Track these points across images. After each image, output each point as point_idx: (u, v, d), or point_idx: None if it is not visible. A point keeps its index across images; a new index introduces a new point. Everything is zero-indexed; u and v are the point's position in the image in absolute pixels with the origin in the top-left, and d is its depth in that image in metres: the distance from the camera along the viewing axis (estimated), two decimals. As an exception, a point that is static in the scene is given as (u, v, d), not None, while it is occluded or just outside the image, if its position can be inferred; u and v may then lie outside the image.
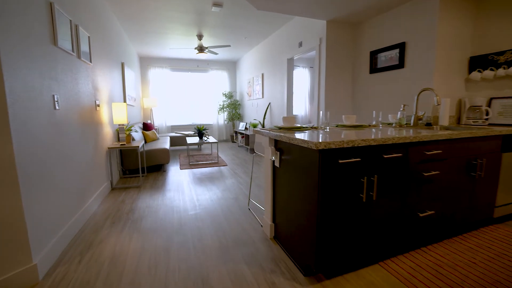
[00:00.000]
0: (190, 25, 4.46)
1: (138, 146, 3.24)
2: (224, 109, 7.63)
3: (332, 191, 1.36)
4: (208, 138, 5.03)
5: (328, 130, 1.93)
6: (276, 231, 1.92)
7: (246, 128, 6.40)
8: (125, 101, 4.43)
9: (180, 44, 5.70)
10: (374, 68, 3.26)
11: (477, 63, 2.58)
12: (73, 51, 2.17)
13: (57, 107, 1.85)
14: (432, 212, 1.67)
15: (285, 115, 4.67)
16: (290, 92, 4.60)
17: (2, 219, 1.34)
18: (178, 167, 4.48)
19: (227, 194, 2.97)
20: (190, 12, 3.87)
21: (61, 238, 1.80)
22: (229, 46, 4.99)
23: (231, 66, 7.98)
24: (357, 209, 1.45)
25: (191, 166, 4.49)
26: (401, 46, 2.84)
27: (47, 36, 1.77)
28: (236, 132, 7.26)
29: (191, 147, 6.75)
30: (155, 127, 6.87)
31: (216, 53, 5.45)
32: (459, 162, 1.78)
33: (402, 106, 2.33)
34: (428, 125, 2.44)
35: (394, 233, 1.61)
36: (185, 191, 3.12)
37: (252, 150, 5.82)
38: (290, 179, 1.62)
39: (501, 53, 2.38)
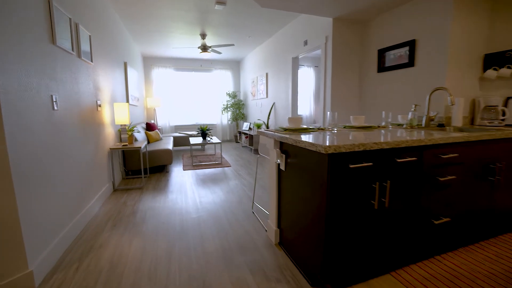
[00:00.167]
0: (194, 23, 4.40)
1: (140, 147, 3.19)
2: (228, 109, 7.56)
3: (341, 197, 1.27)
4: (211, 138, 4.97)
5: (335, 131, 1.84)
6: (281, 236, 1.84)
7: (250, 128, 6.32)
8: (128, 101, 4.39)
9: (184, 43, 5.65)
10: (382, 67, 3.16)
11: (493, 60, 2.45)
12: (73, 50, 2.12)
13: (55, 108, 1.79)
14: (448, 219, 1.57)
15: (290, 115, 4.58)
16: (295, 91, 4.50)
17: (-4, 224, 1.29)
18: (181, 167, 4.43)
19: (231, 197, 2.90)
20: (193, 10, 3.81)
21: (59, 242, 1.75)
22: (232, 45, 4.92)
23: (235, 65, 7.91)
24: (367, 216, 1.36)
25: (194, 167, 4.43)
26: (411, 44, 2.73)
27: (45, 35, 1.72)
28: (239, 132, 7.19)
29: (194, 147, 6.70)
30: (159, 127, 6.83)
31: (219, 52, 5.38)
32: (476, 166, 1.68)
33: (414, 106, 2.23)
34: (441, 126, 2.33)
35: (407, 241, 1.52)
36: (187, 193, 3.05)
37: (256, 151, 5.74)
38: (296, 183, 1.54)
39: (519, 50, 2.26)
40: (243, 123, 7.70)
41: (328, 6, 2.93)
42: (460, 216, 1.69)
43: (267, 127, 5.60)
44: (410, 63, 2.76)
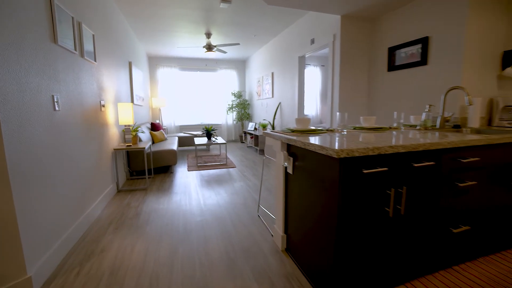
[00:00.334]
0: (198, 22, 4.35)
1: (145, 148, 3.14)
2: (233, 109, 7.50)
3: (353, 204, 1.19)
4: (216, 138, 4.91)
5: (345, 133, 1.75)
6: (288, 243, 1.76)
7: (255, 129, 6.25)
8: (132, 101, 4.37)
9: (189, 42, 5.61)
10: (392, 66, 3.04)
11: (512, 58, 2.32)
12: (75, 49, 2.08)
13: (57, 108, 1.75)
14: (468, 227, 1.47)
15: (296, 116, 4.48)
16: (302, 91, 4.41)
17: (-7, 229, 1.24)
18: (185, 168, 4.38)
19: (236, 199, 2.83)
20: (198, 9, 3.75)
21: (61, 246, 1.70)
22: (238, 44, 4.85)
23: (240, 65, 7.84)
24: (381, 224, 1.27)
25: (199, 167, 4.38)
26: (424, 41, 2.62)
27: (46, 34, 1.68)
28: (245, 133, 7.12)
29: (199, 147, 6.66)
30: (164, 127, 6.82)
31: (224, 52, 5.32)
32: (498, 170, 1.57)
33: (428, 106, 2.12)
34: (456, 127, 2.21)
35: (423, 250, 1.42)
36: (192, 195, 3.00)
37: (261, 151, 5.66)
38: (305, 187, 1.46)
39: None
40: (248, 123, 7.63)
41: (336, 3, 2.83)
42: (481, 224, 1.58)
43: (273, 127, 5.52)
44: (423, 61, 2.64)
